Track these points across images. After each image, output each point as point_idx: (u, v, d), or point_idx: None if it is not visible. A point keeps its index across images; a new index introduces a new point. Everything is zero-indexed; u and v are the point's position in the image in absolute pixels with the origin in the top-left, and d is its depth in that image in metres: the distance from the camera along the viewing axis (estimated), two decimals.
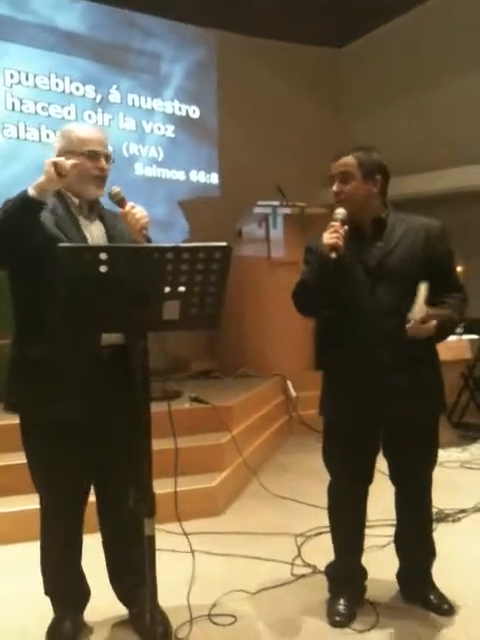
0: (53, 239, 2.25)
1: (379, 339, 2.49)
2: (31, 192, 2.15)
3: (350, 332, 2.54)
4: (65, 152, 2.38)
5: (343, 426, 2.60)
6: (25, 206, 2.15)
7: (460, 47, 7.31)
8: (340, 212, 2.51)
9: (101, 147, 2.41)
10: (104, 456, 2.46)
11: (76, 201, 2.43)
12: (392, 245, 2.55)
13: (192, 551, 3.02)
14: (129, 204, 2.36)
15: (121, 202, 2.37)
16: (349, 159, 2.55)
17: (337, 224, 2.46)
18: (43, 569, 2.52)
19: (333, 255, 2.41)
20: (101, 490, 2.54)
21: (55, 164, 2.15)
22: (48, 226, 2.31)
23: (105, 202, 2.49)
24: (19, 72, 6.49)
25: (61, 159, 2.18)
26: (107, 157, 2.43)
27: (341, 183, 2.55)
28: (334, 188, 2.57)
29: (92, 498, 2.54)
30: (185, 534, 2.75)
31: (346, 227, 2.47)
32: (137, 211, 2.33)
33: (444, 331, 2.53)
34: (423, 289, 2.42)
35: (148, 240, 2.29)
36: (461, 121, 7.22)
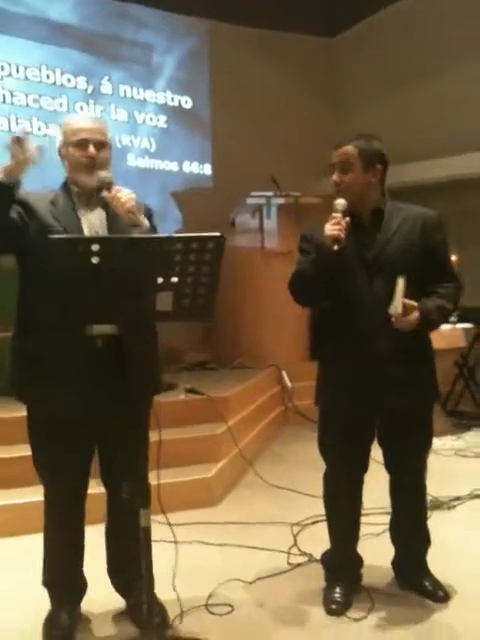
0: (46, 230, 2.26)
1: (376, 329, 2.50)
2: (1, 177, 2.15)
3: (347, 322, 2.54)
4: (62, 145, 2.43)
5: (338, 415, 2.61)
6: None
7: (456, 34, 7.29)
8: (340, 203, 2.49)
9: (90, 134, 2.40)
10: (104, 447, 2.48)
11: (75, 190, 2.44)
12: (390, 235, 2.55)
13: (187, 541, 3.03)
14: (115, 188, 2.34)
15: (108, 186, 2.35)
16: (349, 148, 2.52)
17: (339, 215, 2.45)
18: (44, 558, 2.53)
19: (335, 247, 2.40)
20: (105, 481, 2.55)
21: (17, 140, 2.14)
22: (44, 217, 2.33)
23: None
24: (10, 64, 6.45)
25: (23, 136, 2.17)
26: (98, 144, 2.41)
27: (341, 173, 2.53)
28: (334, 178, 2.54)
29: (92, 490, 2.55)
30: (169, 524, 2.74)
31: (348, 218, 2.46)
32: (122, 194, 2.31)
33: (430, 322, 2.53)
34: (401, 283, 2.43)
35: (135, 224, 2.28)
36: (457, 109, 7.20)
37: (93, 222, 2.43)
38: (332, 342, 2.60)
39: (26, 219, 2.32)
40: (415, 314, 2.44)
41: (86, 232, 2.39)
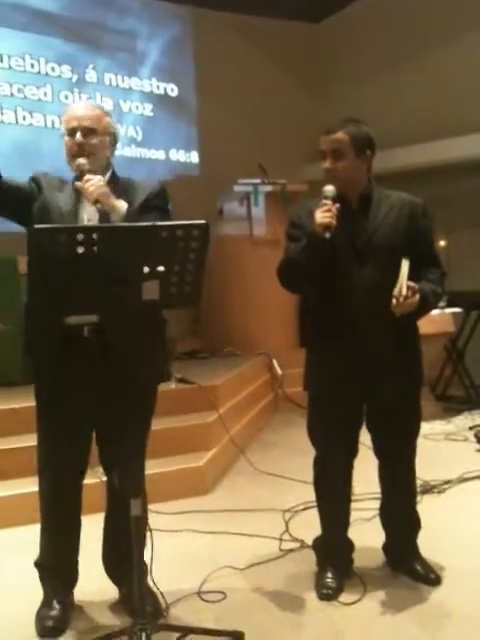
0: (45, 210, 2.36)
1: (364, 315, 2.50)
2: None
3: (336, 308, 2.54)
4: (62, 136, 2.46)
5: (327, 401, 2.62)
6: None
7: (440, 19, 7.26)
8: (330, 189, 2.48)
9: (78, 121, 2.40)
10: (101, 436, 2.49)
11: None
12: (378, 221, 2.55)
13: (180, 530, 3.04)
14: (85, 177, 2.32)
15: (80, 175, 2.35)
16: (341, 135, 2.50)
17: (329, 202, 2.44)
18: (40, 543, 2.54)
19: (327, 235, 2.40)
20: (105, 468, 2.56)
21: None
22: (48, 199, 2.38)
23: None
24: None
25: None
26: (85, 130, 2.40)
27: (333, 160, 2.51)
28: (326, 165, 2.52)
29: (88, 480, 2.56)
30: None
31: (338, 205, 2.45)
32: (90, 183, 2.30)
33: (428, 305, 2.54)
34: (405, 265, 2.43)
35: (107, 211, 2.28)
36: (442, 94, 7.19)
37: (91, 212, 2.41)
38: (321, 328, 2.60)
39: (36, 196, 2.38)
40: (417, 297, 2.44)
41: (85, 221, 2.40)
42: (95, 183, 2.30)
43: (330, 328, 2.57)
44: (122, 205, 2.32)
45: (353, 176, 2.54)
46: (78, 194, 2.40)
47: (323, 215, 2.42)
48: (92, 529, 2.59)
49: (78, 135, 2.39)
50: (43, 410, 2.45)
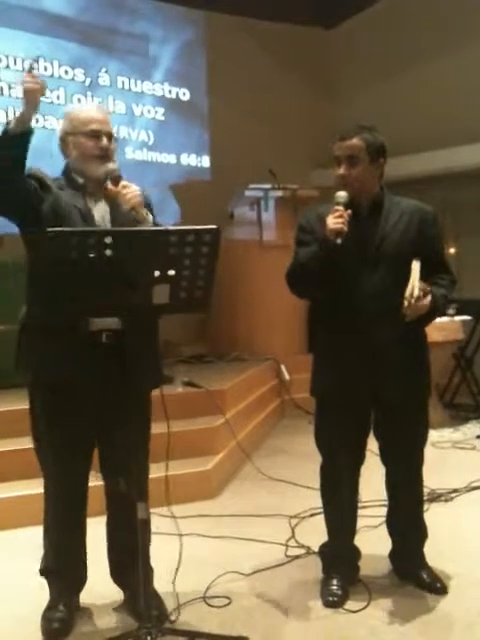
0: (58, 209, 2.30)
1: (374, 320, 2.50)
2: (13, 128, 2.15)
3: (345, 313, 2.54)
4: (67, 134, 2.42)
5: (334, 406, 2.61)
6: (10, 145, 2.16)
7: (452, 24, 7.26)
8: (342, 195, 2.49)
9: (102, 126, 2.41)
10: (105, 438, 2.47)
11: (80, 181, 2.43)
12: (388, 228, 2.56)
13: (186, 534, 3.04)
14: (122, 183, 2.36)
15: (115, 180, 2.37)
16: (356, 142, 2.51)
17: (341, 208, 2.45)
18: (45, 547, 2.54)
19: (338, 241, 2.41)
20: (105, 473, 2.55)
21: (41, 87, 2.16)
22: (57, 197, 2.33)
23: None
24: (7, 56, 6.41)
25: (44, 84, 2.18)
26: (109, 135, 2.43)
27: (348, 166, 2.52)
28: (341, 171, 2.52)
29: (94, 483, 2.55)
30: (169, 516, 2.75)
31: (350, 211, 2.46)
32: (128, 191, 2.33)
33: (437, 309, 2.54)
34: (416, 267, 2.43)
35: (138, 221, 2.29)
36: (453, 101, 7.18)
37: (98, 214, 2.43)
38: (330, 333, 2.60)
39: (41, 194, 2.32)
40: (428, 299, 2.44)
41: (98, 223, 2.40)
42: (134, 191, 2.33)
43: (338, 334, 2.57)
44: (148, 215, 2.35)
45: (367, 183, 2.54)
46: (84, 193, 2.40)
47: (335, 221, 2.42)
48: (96, 531, 2.60)
49: (105, 140, 2.40)
50: (50, 413, 2.40)
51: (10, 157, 2.17)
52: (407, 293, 2.39)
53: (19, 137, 2.17)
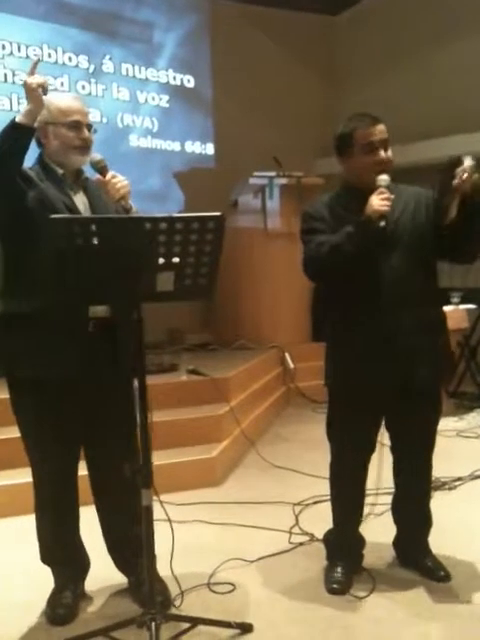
0: (44, 201, 2.28)
1: (393, 306, 2.49)
2: (20, 119, 2.16)
3: (364, 300, 2.52)
4: (47, 123, 2.37)
5: (350, 398, 2.58)
6: (16, 135, 2.16)
7: (460, 10, 7.19)
8: (385, 179, 2.48)
9: (83, 117, 2.40)
10: (92, 428, 2.46)
11: (60, 171, 2.41)
12: (399, 213, 2.55)
13: (190, 521, 3.05)
14: (110, 173, 2.35)
15: (102, 170, 2.37)
16: (383, 126, 2.53)
17: (387, 191, 2.44)
18: (39, 539, 2.54)
19: (382, 223, 2.40)
20: (92, 463, 2.54)
21: (40, 85, 2.15)
22: (42, 189, 2.31)
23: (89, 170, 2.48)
24: (11, 43, 6.38)
25: (41, 80, 2.17)
26: (88, 126, 2.42)
27: (385, 150, 2.52)
28: (381, 155, 2.50)
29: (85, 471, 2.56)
30: (159, 503, 2.75)
31: (393, 195, 2.45)
32: (117, 181, 2.33)
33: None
34: (468, 161, 2.40)
35: (126, 211, 2.29)
36: (459, 88, 7.13)
37: (83, 202, 2.43)
38: (347, 320, 2.58)
39: (24, 186, 2.29)
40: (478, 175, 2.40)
41: (81, 212, 2.39)
42: (123, 181, 2.33)
43: (357, 320, 2.55)
44: (133, 205, 2.35)
45: None
46: (62, 183, 2.38)
47: (381, 203, 2.41)
48: (96, 518, 2.60)
49: (86, 131, 2.40)
50: (37, 411, 2.38)
51: (19, 147, 2.17)
52: (458, 169, 2.36)
53: (28, 129, 2.17)
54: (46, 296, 2.19)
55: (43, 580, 2.58)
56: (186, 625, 2.32)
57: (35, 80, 2.15)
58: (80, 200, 2.43)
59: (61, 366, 2.28)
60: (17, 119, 2.16)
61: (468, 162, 2.41)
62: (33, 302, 2.27)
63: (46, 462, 2.44)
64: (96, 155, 2.39)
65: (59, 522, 2.52)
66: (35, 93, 2.15)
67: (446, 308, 2.80)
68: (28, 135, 2.19)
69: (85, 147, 2.40)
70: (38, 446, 2.44)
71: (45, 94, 2.18)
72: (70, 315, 2.28)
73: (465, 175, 2.35)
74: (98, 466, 2.54)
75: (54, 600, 2.51)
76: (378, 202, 2.41)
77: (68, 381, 2.31)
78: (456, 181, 2.38)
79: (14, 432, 2.93)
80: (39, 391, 2.33)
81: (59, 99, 2.43)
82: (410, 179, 2.71)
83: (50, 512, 2.50)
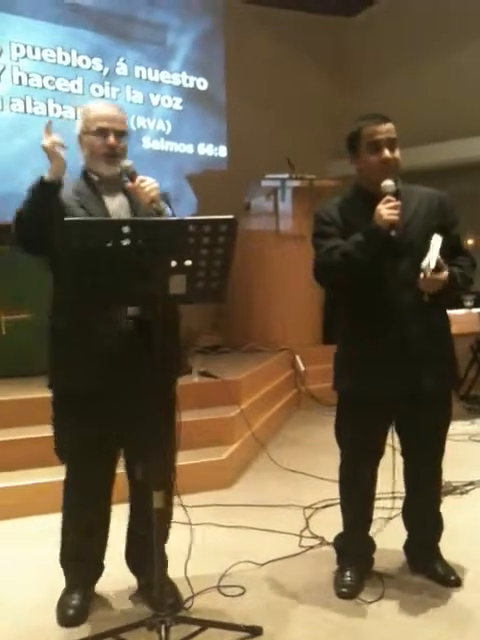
0: (64, 209, 2.31)
1: (401, 311, 2.49)
2: (48, 178, 2.24)
3: (376, 304, 2.51)
4: (82, 133, 2.44)
5: (360, 404, 2.56)
6: (44, 189, 2.24)
7: (472, 14, 7.18)
8: (390, 185, 2.45)
9: (110, 123, 2.40)
10: (127, 428, 2.46)
11: (96, 178, 2.44)
12: (409, 215, 2.53)
13: (200, 524, 3.05)
14: (139, 178, 2.36)
15: (131, 176, 2.38)
16: (391, 125, 2.50)
17: (393, 199, 2.42)
18: (63, 538, 2.55)
19: (393, 233, 2.38)
20: (129, 466, 2.55)
21: (56, 144, 2.23)
22: (70, 207, 2.34)
23: None
24: (25, 46, 6.42)
25: (57, 140, 2.24)
26: (118, 133, 2.41)
27: (390, 150, 2.49)
28: (386, 154, 2.47)
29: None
30: (181, 505, 2.75)
31: (400, 202, 2.43)
32: (146, 184, 2.34)
33: (456, 285, 2.51)
34: (436, 241, 2.39)
35: (158, 213, 2.29)
36: (472, 92, 7.12)
37: (117, 209, 2.44)
38: (358, 324, 2.58)
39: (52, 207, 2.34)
40: (445, 273, 2.40)
41: (119, 216, 2.41)
42: (151, 184, 2.34)
43: (368, 325, 2.54)
44: (167, 208, 2.37)
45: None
46: (98, 193, 2.41)
47: (390, 212, 2.39)
48: (115, 518, 2.61)
49: (111, 138, 2.39)
50: (76, 403, 2.39)
51: (45, 200, 2.25)
52: (423, 264, 2.34)
53: (53, 185, 2.26)
54: (75, 309, 2.25)
55: (54, 581, 2.59)
56: (196, 628, 2.31)
57: (50, 141, 2.23)
58: (118, 202, 2.44)
59: (90, 377, 2.33)
60: (45, 178, 2.25)
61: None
62: (66, 317, 2.35)
63: (79, 465, 2.46)
64: (126, 161, 2.40)
65: (84, 522, 2.52)
66: (53, 152, 2.23)
67: (458, 312, 2.79)
68: (55, 190, 2.27)
69: (111, 155, 2.40)
70: (72, 450, 2.46)
71: (64, 148, 2.25)
72: (98, 322, 2.31)
73: (429, 272, 2.34)
74: (129, 465, 2.54)
75: (64, 600, 2.52)
76: (387, 212, 2.39)
77: (98, 392, 2.33)
78: (420, 280, 2.37)
79: (29, 433, 2.98)
80: (76, 402, 2.38)
81: (90, 107, 2.47)
82: (421, 182, 2.69)
83: (77, 512, 2.51)
